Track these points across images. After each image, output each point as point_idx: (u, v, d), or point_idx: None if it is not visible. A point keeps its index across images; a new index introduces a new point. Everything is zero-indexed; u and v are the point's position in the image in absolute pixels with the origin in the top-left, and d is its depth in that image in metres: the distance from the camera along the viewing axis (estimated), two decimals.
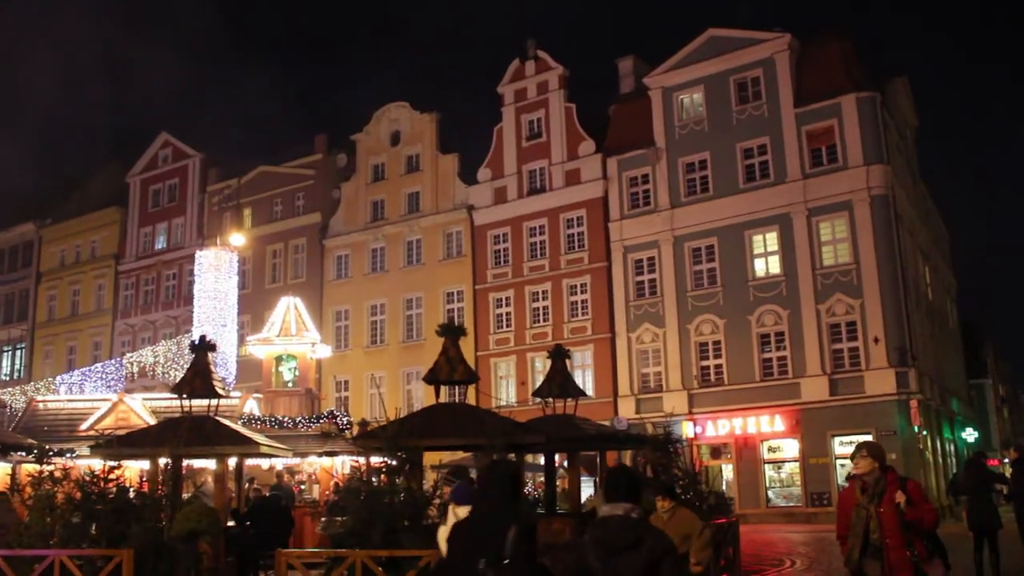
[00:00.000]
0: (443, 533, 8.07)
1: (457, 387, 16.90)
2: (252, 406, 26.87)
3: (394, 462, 12.85)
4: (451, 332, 15.33)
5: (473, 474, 13.83)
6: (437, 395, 15.31)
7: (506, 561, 4.60)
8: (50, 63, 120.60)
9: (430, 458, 25.01)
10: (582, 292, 38.39)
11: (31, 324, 56.46)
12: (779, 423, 33.11)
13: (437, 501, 11.70)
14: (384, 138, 45.10)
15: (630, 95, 39.90)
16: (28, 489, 12.79)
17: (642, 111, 38.20)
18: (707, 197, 36.02)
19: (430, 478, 23.09)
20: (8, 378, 53.18)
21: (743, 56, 36.17)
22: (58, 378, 36.67)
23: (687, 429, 32.92)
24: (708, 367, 35.27)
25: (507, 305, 40.04)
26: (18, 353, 56.94)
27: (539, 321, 39.14)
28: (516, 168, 40.95)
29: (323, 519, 16.24)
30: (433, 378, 15.11)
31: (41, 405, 29.05)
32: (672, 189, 36.78)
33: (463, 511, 8.16)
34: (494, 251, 40.88)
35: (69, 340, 54.17)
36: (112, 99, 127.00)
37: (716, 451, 34.70)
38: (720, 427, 34.11)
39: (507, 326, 39.87)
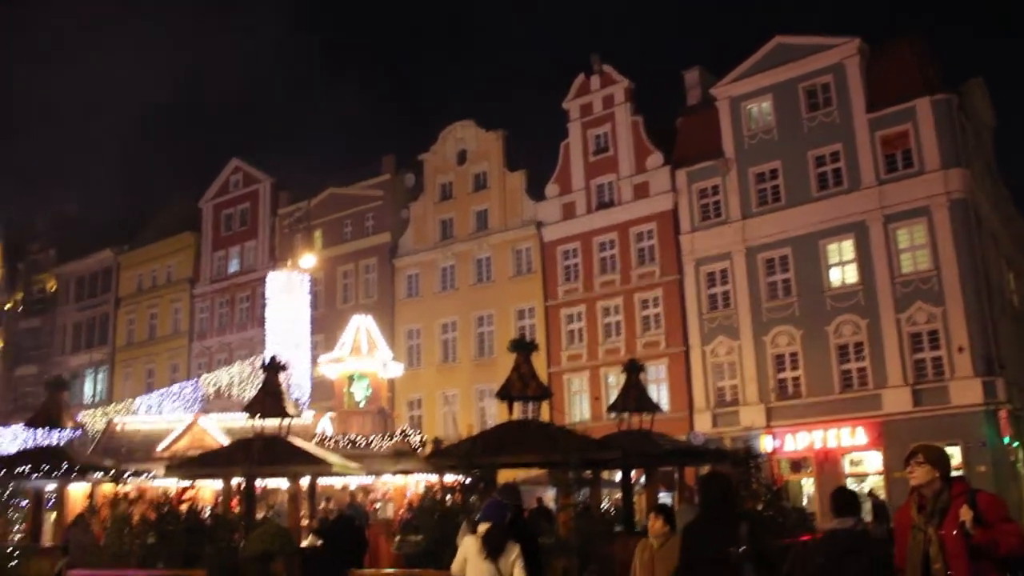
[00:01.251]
0: (467, 543, 7.91)
1: (531, 404, 16.72)
2: (325, 425, 26.97)
3: (468, 480, 12.69)
4: (522, 348, 15.17)
5: (549, 496, 13.56)
6: (510, 412, 15.14)
7: (743, 548, 6.05)
8: (126, 94, 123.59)
9: (505, 476, 24.89)
10: (654, 306, 37.93)
11: (111, 348, 57.59)
12: (861, 436, 32.23)
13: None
14: (451, 157, 45.19)
15: (697, 106, 39.45)
16: (105, 510, 12.89)
17: (710, 122, 37.72)
18: (779, 207, 35.36)
19: None
20: (91, 400, 54.22)
21: (812, 63, 35.51)
22: (137, 400, 37.23)
23: (765, 443, 32.25)
24: (785, 379, 34.54)
25: (579, 321, 39.73)
26: (100, 376, 58.10)
27: (611, 336, 38.74)
28: (584, 183, 40.69)
29: (397, 538, 16.13)
30: (506, 394, 14.95)
31: (119, 427, 29.50)
32: (743, 200, 36.20)
33: (483, 527, 7.97)
34: (564, 267, 40.62)
35: (148, 363, 55.14)
36: (185, 126, 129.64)
37: (796, 465, 33.92)
38: (799, 440, 33.32)
39: (579, 342, 39.54)
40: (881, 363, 32.41)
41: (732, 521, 6.29)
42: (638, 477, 19.98)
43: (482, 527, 7.92)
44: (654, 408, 17.27)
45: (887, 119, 33.64)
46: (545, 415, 20.30)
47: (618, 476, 18.44)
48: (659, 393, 35.18)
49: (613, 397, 18.83)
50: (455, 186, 44.86)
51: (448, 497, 12.83)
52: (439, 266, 44.46)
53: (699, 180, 37.49)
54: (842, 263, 34.17)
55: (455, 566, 7.99)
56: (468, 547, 7.86)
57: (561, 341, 39.81)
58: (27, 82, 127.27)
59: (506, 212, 42.71)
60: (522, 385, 14.77)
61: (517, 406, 15.61)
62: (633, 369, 17.31)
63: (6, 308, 66.02)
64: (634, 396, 16.90)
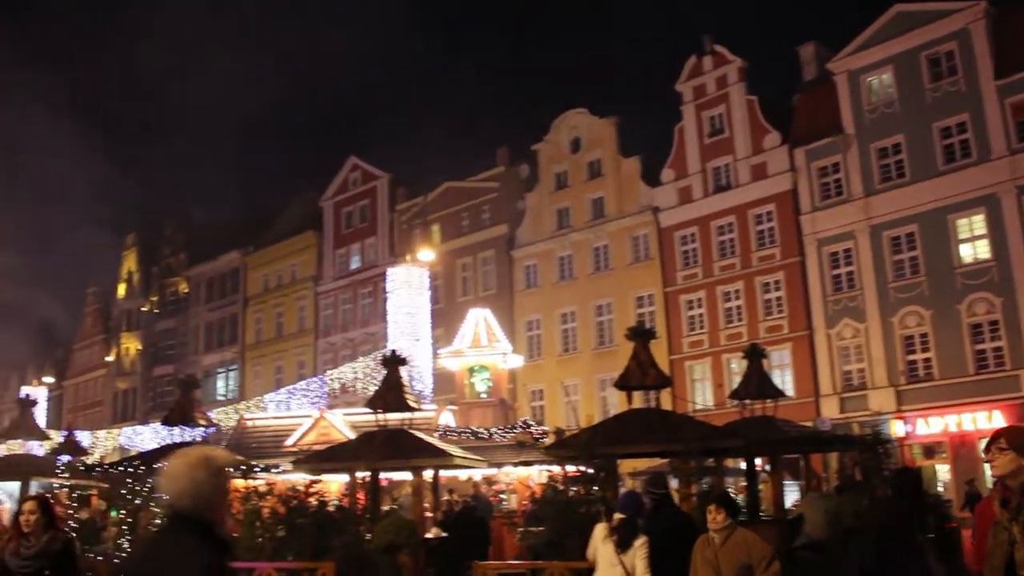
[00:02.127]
0: (598, 531, 7.99)
1: (652, 392, 16.55)
2: (448, 418, 27.23)
3: (589, 470, 12.64)
4: (640, 336, 15.02)
5: (674, 483, 13.41)
6: (630, 401, 15.02)
7: (931, 535, 6.49)
8: (245, 99, 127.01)
9: (626, 466, 24.73)
10: (776, 289, 37.18)
11: (241, 347, 59.44)
12: (998, 419, 30.93)
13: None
14: (564, 146, 45.11)
15: (814, 82, 38.41)
16: (236, 504, 13.28)
17: (828, 98, 36.70)
18: (904, 182, 34.20)
19: (629, 485, 22.79)
20: (223, 398, 56.05)
21: (934, 30, 34.17)
22: (266, 397, 38.28)
23: (896, 428, 31.25)
24: (916, 361, 33.44)
25: (699, 307, 39.24)
26: (230, 374, 60.05)
27: (733, 321, 38.15)
28: (700, 166, 40.11)
29: (520, 530, 16.19)
30: (625, 384, 14.83)
31: (249, 423, 30.39)
32: (865, 176, 35.13)
33: (616, 517, 7.98)
34: (682, 252, 40.14)
35: (276, 360, 56.71)
36: (305, 127, 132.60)
37: (929, 451, 32.82)
38: (932, 425, 32.22)
39: (700, 328, 39.06)
40: (1018, 342, 31.06)
41: (922, 512, 6.84)
42: (763, 465, 19.60)
43: (616, 517, 7.97)
44: (778, 394, 16.90)
45: (1017, 85, 32.17)
46: (666, 403, 20.07)
47: (742, 464, 18.13)
48: (783, 379, 34.45)
49: (735, 383, 18.50)
50: (570, 175, 44.76)
51: (570, 488, 12.79)
52: (556, 256, 44.45)
53: (818, 158, 36.55)
54: (973, 238, 32.88)
55: (588, 551, 8.17)
56: (597, 534, 8.00)
57: (681, 328, 39.37)
58: (151, 92, 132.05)
59: (622, 199, 42.42)
60: (641, 374, 14.62)
61: (637, 395, 15.47)
62: (755, 354, 16.97)
63: (143, 311, 68.78)
64: (756, 382, 16.57)
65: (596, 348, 41.84)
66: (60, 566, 6.23)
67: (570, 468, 13.52)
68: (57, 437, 30.62)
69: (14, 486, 24.52)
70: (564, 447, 13.97)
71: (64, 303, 76.62)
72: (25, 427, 26.74)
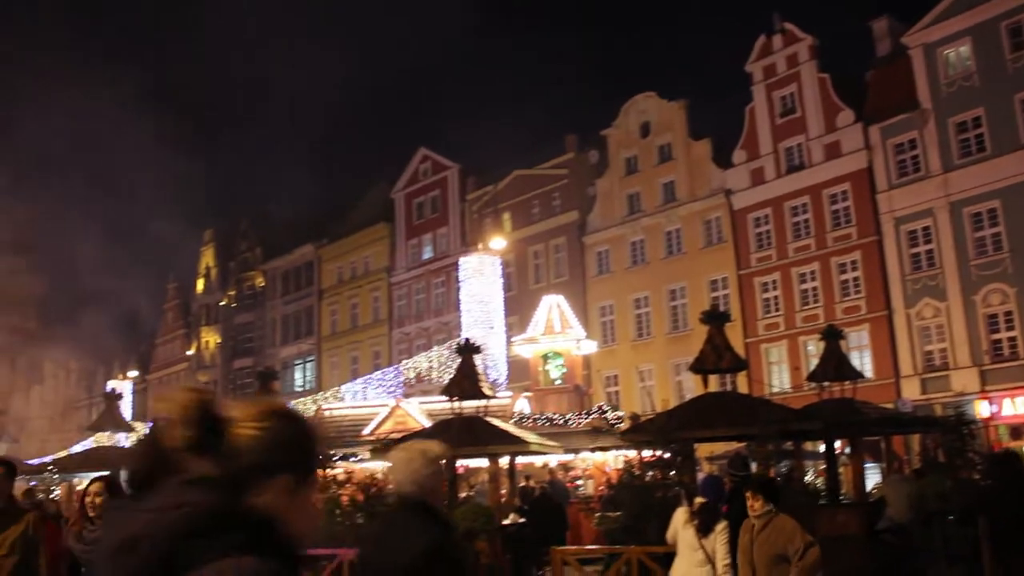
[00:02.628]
0: (679, 517, 7.98)
1: (727, 376, 16.43)
2: (523, 405, 27.32)
3: (666, 455, 12.60)
4: (715, 319, 14.91)
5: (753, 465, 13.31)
6: (705, 385, 14.93)
7: None
8: (314, 92, 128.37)
9: (704, 450, 24.57)
10: (852, 269, 36.56)
11: (317, 338, 60.28)
12: None
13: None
14: (634, 130, 44.83)
15: (888, 57, 37.61)
16: (316, 493, 13.52)
17: (903, 73, 35.90)
18: (984, 157, 33.33)
19: (706, 470, 22.63)
20: (301, 389, 56.91)
21: None
22: (343, 387, 38.74)
23: (981, 409, 30.56)
24: (1000, 340, 32.63)
25: (774, 289, 38.77)
26: (308, 366, 60.97)
27: (809, 303, 37.62)
28: (772, 147, 39.57)
29: (597, 515, 16.20)
30: (700, 367, 14.75)
31: (327, 413, 30.83)
32: (943, 152, 34.32)
33: (697, 501, 7.97)
34: (756, 234, 39.67)
35: (351, 351, 57.41)
36: (373, 118, 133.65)
37: (1016, 431, 32.01)
38: (1019, 405, 31.43)
39: (775, 310, 38.59)
40: None
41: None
42: (842, 448, 19.32)
43: (697, 501, 7.97)
44: (857, 375, 16.62)
45: None
46: (742, 387, 19.89)
47: (821, 447, 17.89)
48: (861, 360, 33.90)
49: (812, 366, 18.26)
50: (640, 159, 44.49)
51: (647, 473, 12.76)
52: (628, 241, 44.24)
53: (894, 135, 35.81)
54: None
55: (668, 535, 8.19)
56: (679, 521, 7.99)
57: (756, 310, 38.95)
58: (222, 88, 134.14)
59: (693, 182, 42.05)
60: (716, 357, 14.52)
61: (713, 379, 15.38)
62: (832, 336, 16.72)
63: (221, 305, 70.14)
64: (834, 364, 16.32)
65: (670, 333, 41.60)
66: None
67: (646, 453, 13.49)
68: (143, 429, 31.37)
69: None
70: (640, 432, 13.95)
71: (146, 299, 78.39)
72: (112, 420, 27.55)
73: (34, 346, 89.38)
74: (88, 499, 5.93)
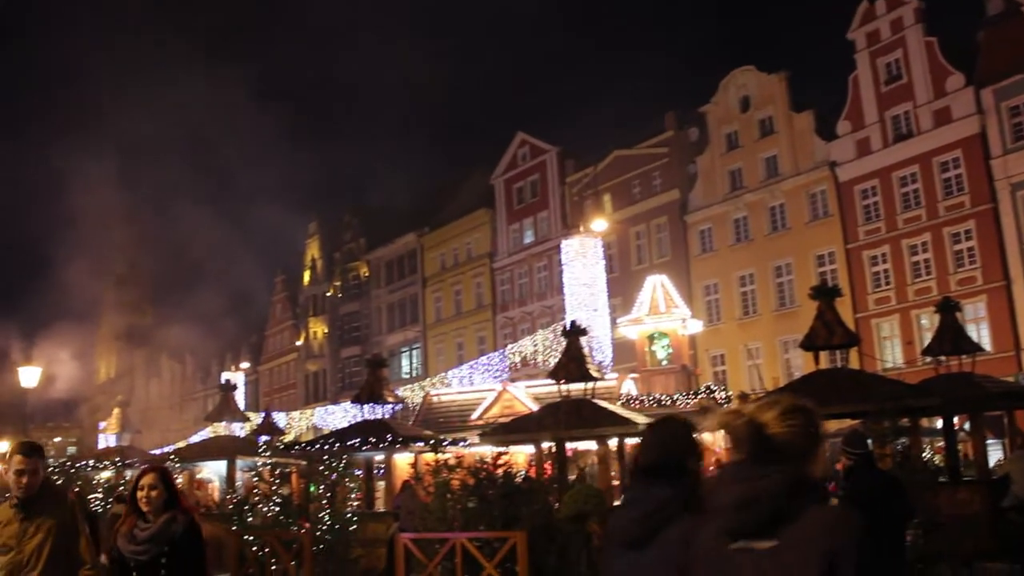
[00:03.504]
0: None
1: (838, 352, 16.06)
2: (629, 386, 27.20)
3: None
4: (825, 294, 14.58)
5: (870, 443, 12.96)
6: (816, 362, 14.62)
7: None
8: (410, 81, 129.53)
9: None
10: (967, 239, 35.35)
11: (422, 325, 60.98)
12: None
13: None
14: (733, 105, 44.11)
15: (1000, 16, 36.14)
16: (428, 477, 13.63)
17: (1017, 32, 34.45)
18: None
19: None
20: (408, 376, 57.69)
21: None
22: (449, 373, 39.13)
23: None
24: None
25: (883, 262, 37.74)
26: (414, 353, 61.75)
27: (921, 275, 36.53)
28: (877, 116, 38.47)
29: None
30: (810, 344, 14.45)
31: (435, 399, 31.19)
32: None
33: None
34: (863, 206, 38.65)
35: (456, 337, 57.94)
36: (469, 105, 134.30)
37: None
38: None
39: (886, 284, 37.58)
40: None
41: None
42: (961, 424, 18.74)
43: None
44: (975, 349, 16.09)
45: None
46: (854, 363, 19.44)
47: (939, 424, 17.38)
48: (979, 333, 32.83)
49: (927, 340, 17.73)
50: (741, 134, 43.76)
51: None
52: (731, 218, 43.60)
53: (1009, 97, 34.44)
54: None
55: None
56: None
57: (866, 285, 38.00)
58: (321, 83, 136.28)
59: (796, 156, 41.18)
60: (827, 333, 14.19)
61: (824, 355, 15.05)
62: (947, 308, 16.20)
63: (327, 295, 71.48)
64: (951, 337, 15.81)
65: (776, 310, 40.89)
66: (179, 554, 5.14)
67: None
68: (256, 419, 32.20)
69: (221, 465, 26.03)
70: None
71: (256, 292, 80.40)
72: (228, 410, 28.32)
73: (152, 341, 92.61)
74: (141, 493, 5.20)
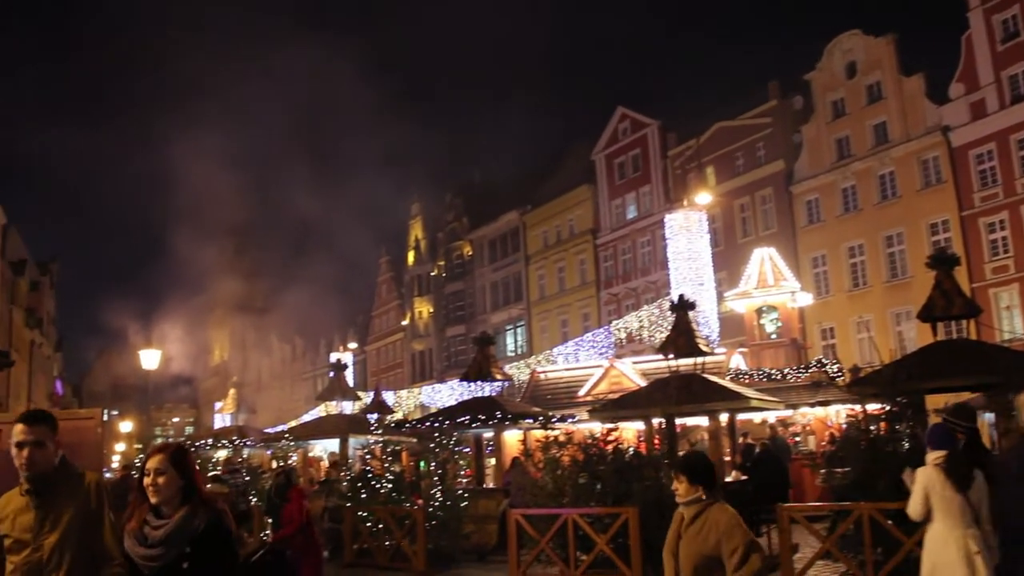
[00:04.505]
0: (927, 477, 7.25)
1: (955, 324, 15.58)
2: (738, 361, 26.88)
3: (894, 408, 12.06)
4: (943, 263, 14.13)
5: (984, 422, 12.57)
6: (934, 333, 14.19)
7: None
8: (519, 61, 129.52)
9: (932, 401, 23.48)
10: None
11: (526, 303, 61.18)
12: None
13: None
14: (839, 72, 42.96)
15: None
16: (538, 453, 13.71)
17: None
18: None
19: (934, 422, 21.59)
20: (513, 354, 57.98)
21: None
22: (554, 350, 39.13)
23: None
24: None
25: (1001, 229, 36.37)
26: (518, 331, 62.04)
27: None
28: (993, 76, 36.99)
29: (822, 471, 15.74)
30: (928, 315, 14.03)
31: (542, 376, 31.27)
32: None
33: (935, 456, 7.30)
34: (979, 172, 37.28)
35: (560, 314, 57.99)
36: (569, 80, 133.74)
37: None
38: None
39: (1004, 252, 36.22)
40: None
41: None
42: None
43: (933, 456, 7.34)
44: None
45: None
46: (972, 334, 18.82)
47: None
48: None
49: None
50: (847, 101, 42.62)
51: (872, 426, 12.27)
52: (839, 188, 42.56)
53: None
54: None
55: (914, 506, 7.34)
56: (929, 480, 7.23)
57: (983, 253, 36.70)
58: (423, 63, 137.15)
59: (906, 121, 39.92)
60: (946, 303, 13.75)
61: (940, 327, 14.61)
62: None
63: (432, 275, 72.24)
64: None
65: (888, 281, 39.83)
66: (203, 558, 4.12)
67: (872, 406, 12.98)
68: (365, 398, 32.73)
69: (331, 444, 26.59)
70: (867, 384, 13.38)
71: (361, 273, 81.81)
72: (339, 389, 28.89)
73: (262, 323, 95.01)
74: (147, 479, 4.18)
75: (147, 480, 4.18)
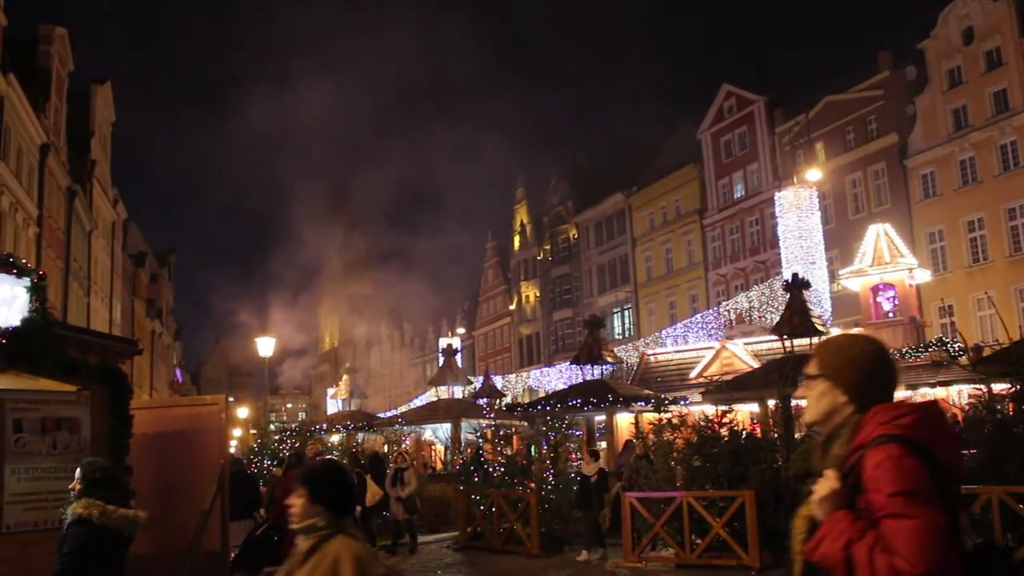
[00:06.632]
0: None
1: None
2: None
3: (1023, 387, 11.64)
4: None
5: None
6: None
7: None
8: (621, 43, 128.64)
9: None
10: None
11: (633, 285, 60.82)
12: None
13: None
14: (955, 38, 41.43)
15: None
16: (651, 436, 13.63)
17: None
18: None
19: None
20: (620, 337, 57.75)
21: None
22: (663, 332, 38.88)
23: None
24: None
25: None
26: (626, 313, 61.74)
27: None
28: None
29: None
30: None
31: (652, 358, 31.06)
32: None
33: None
34: None
35: (668, 296, 57.49)
36: (672, 60, 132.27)
37: None
38: None
39: None
40: None
41: None
42: None
43: None
44: None
45: None
46: None
47: None
48: None
49: None
50: (964, 69, 41.09)
51: (999, 407, 11.87)
52: (956, 160, 41.12)
53: None
54: None
55: None
56: None
57: None
58: (530, 49, 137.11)
59: None
60: None
61: None
62: None
63: (538, 259, 72.37)
64: None
65: (1011, 256, 38.37)
66: None
67: (998, 386, 12.55)
68: (475, 382, 33.01)
69: (440, 427, 26.88)
70: (994, 363, 12.93)
71: (468, 260, 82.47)
72: (450, 373, 29.20)
73: (373, 310, 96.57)
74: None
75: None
